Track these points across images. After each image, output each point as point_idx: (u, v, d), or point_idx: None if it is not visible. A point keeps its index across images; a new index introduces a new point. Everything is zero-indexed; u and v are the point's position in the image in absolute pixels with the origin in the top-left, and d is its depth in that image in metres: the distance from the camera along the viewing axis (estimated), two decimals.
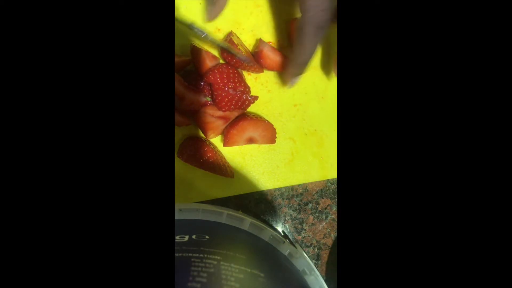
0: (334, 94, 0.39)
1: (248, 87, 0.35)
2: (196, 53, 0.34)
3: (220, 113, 0.34)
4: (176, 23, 0.34)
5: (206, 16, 0.34)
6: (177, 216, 0.27)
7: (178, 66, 0.34)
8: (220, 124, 0.34)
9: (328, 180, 0.39)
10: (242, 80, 0.34)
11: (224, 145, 0.35)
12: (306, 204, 0.38)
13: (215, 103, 0.34)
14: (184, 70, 0.35)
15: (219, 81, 0.33)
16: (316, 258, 0.38)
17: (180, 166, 0.35)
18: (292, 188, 0.38)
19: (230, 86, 0.33)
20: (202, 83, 0.34)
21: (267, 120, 0.36)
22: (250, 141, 0.36)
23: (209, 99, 0.34)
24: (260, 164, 0.37)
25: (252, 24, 0.37)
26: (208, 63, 0.34)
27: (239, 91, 0.33)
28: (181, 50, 0.35)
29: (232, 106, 0.33)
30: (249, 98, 0.34)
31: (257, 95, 0.37)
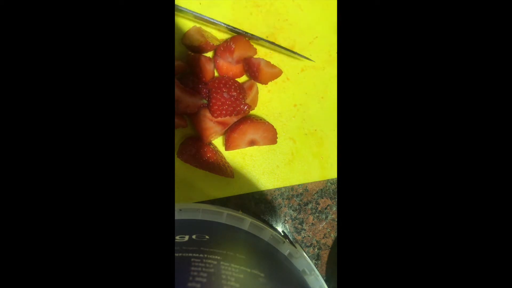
0: (334, 94, 0.39)
1: (244, 95, 0.35)
2: (195, 61, 0.34)
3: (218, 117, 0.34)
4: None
5: None
6: (177, 216, 0.27)
7: (175, 70, 0.34)
8: (219, 130, 0.34)
9: (328, 180, 0.39)
10: (238, 88, 0.34)
11: (226, 149, 0.35)
12: (306, 204, 0.38)
13: (209, 108, 0.34)
14: (181, 72, 0.35)
15: (216, 86, 0.33)
16: (316, 258, 0.38)
17: (180, 166, 0.35)
18: (292, 188, 0.38)
19: (225, 91, 0.33)
20: (200, 86, 0.34)
21: (267, 122, 0.36)
22: (252, 143, 0.36)
23: (205, 101, 0.34)
24: (260, 164, 0.37)
25: (252, 24, 0.37)
26: (208, 68, 0.34)
27: (233, 96, 0.33)
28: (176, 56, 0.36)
29: (224, 112, 0.33)
30: (242, 105, 0.34)
31: (257, 95, 0.37)
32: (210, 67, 0.35)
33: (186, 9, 0.34)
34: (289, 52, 0.37)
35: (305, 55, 0.38)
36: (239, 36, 0.35)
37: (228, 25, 0.35)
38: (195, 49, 0.35)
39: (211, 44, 0.34)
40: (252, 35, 0.36)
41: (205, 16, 0.34)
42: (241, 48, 0.35)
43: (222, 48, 0.34)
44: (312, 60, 0.38)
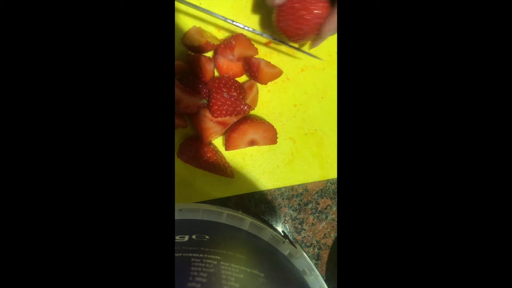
0: (334, 94, 0.39)
1: (244, 95, 0.34)
2: (195, 61, 0.34)
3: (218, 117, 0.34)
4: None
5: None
6: (177, 216, 0.27)
7: (175, 70, 0.34)
8: (219, 130, 0.34)
9: (328, 180, 0.39)
10: (238, 88, 0.34)
11: (226, 149, 0.35)
12: (306, 204, 0.38)
13: (209, 108, 0.34)
14: (181, 72, 0.35)
15: (216, 86, 0.33)
16: (316, 258, 0.38)
17: (180, 166, 0.35)
18: (292, 188, 0.38)
19: (225, 91, 0.33)
20: (200, 86, 0.34)
21: (267, 122, 0.36)
22: (252, 143, 0.36)
23: (205, 101, 0.34)
24: (260, 164, 0.37)
25: (252, 24, 0.37)
26: (208, 68, 0.34)
27: (233, 96, 0.33)
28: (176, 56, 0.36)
29: (224, 112, 0.33)
30: (242, 105, 0.34)
31: (257, 95, 0.37)
32: (210, 67, 0.35)
33: (189, 2, 0.32)
34: (294, 49, 0.35)
35: (304, 54, 0.37)
36: (240, 34, 0.35)
37: (232, 21, 0.33)
38: (195, 49, 0.35)
39: (211, 44, 0.34)
40: (261, 33, 0.34)
41: (206, 10, 0.33)
42: (242, 45, 0.35)
43: (222, 46, 0.34)
44: (320, 59, 0.36)
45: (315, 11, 0.30)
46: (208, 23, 0.36)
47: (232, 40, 0.34)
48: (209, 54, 0.36)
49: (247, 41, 0.35)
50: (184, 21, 0.36)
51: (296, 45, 0.36)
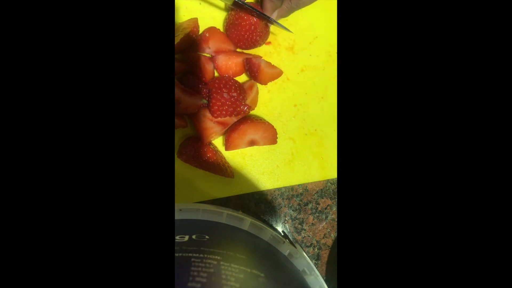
0: (334, 94, 0.39)
1: (244, 95, 0.34)
2: (195, 61, 0.34)
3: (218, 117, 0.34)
4: None
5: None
6: (177, 216, 0.27)
7: (175, 70, 0.34)
8: (219, 130, 0.34)
9: (328, 180, 0.39)
10: (238, 88, 0.34)
11: (226, 149, 0.35)
12: (306, 204, 0.38)
13: (209, 108, 0.34)
14: (181, 72, 0.35)
15: (216, 86, 0.33)
16: (316, 258, 0.38)
17: (180, 166, 0.35)
18: (292, 188, 0.38)
19: (225, 91, 0.33)
20: (200, 86, 0.34)
21: (268, 122, 0.36)
22: (252, 143, 0.36)
23: (205, 101, 0.34)
24: (260, 164, 0.37)
25: None
26: (208, 68, 0.34)
27: (233, 96, 0.33)
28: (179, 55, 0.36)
29: (224, 112, 0.33)
30: (242, 105, 0.34)
31: (257, 95, 0.37)
32: (210, 67, 0.35)
33: None
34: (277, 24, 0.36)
35: (304, 54, 0.37)
36: (214, 27, 0.36)
37: None
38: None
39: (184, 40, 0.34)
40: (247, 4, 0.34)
41: None
42: (216, 38, 0.35)
43: (197, 42, 0.35)
44: (290, 31, 0.36)
45: (250, 29, 0.34)
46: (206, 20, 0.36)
47: (206, 33, 0.35)
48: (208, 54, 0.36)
49: (222, 35, 0.35)
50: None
51: (291, 49, 0.36)
